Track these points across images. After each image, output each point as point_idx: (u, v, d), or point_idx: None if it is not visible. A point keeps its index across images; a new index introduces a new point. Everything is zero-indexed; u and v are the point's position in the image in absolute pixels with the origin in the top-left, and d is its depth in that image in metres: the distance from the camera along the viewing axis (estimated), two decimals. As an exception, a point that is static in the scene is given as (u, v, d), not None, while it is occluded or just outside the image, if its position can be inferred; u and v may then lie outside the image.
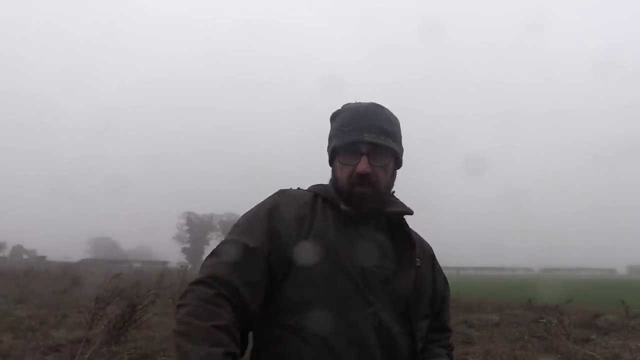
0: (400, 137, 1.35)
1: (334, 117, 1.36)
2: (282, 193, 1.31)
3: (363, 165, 1.24)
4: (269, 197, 1.31)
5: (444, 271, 1.46)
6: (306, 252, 1.19)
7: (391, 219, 1.33)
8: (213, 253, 1.20)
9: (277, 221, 1.22)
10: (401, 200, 1.38)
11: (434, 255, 1.45)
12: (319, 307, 1.16)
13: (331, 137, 1.35)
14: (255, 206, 1.29)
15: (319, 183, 1.39)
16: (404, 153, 1.36)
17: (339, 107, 1.38)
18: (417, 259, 1.32)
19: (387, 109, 1.35)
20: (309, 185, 1.40)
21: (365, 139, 1.25)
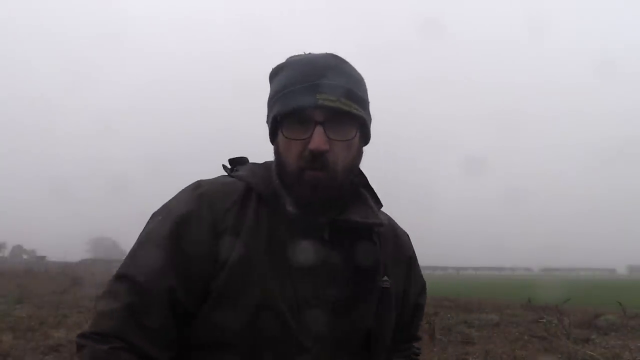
0: (368, 102, 0.98)
1: (275, 74, 0.97)
2: (200, 194, 0.94)
3: (318, 140, 0.87)
4: (181, 197, 0.95)
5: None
6: (225, 280, 0.88)
7: (354, 229, 0.97)
8: (105, 293, 0.91)
9: (186, 241, 0.89)
10: (373, 193, 1.04)
11: (411, 256, 1.11)
12: (235, 355, 0.88)
13: (272, 102, 0.95)
14: (161, 214, 0.94)
15: (261, 163, 1.02)
16: (372, 124, 1.00)
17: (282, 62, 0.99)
18: (385, 278, 0.99)
19: (349, 63, 0.96)
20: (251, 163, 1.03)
21: (321, 103, 0.87)
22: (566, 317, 7.40)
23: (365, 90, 0.97)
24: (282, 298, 0.89)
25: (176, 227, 0.90)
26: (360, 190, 1.01)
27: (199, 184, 0.97)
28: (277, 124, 0.93)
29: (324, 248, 0.94)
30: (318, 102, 0.88)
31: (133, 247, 0.93)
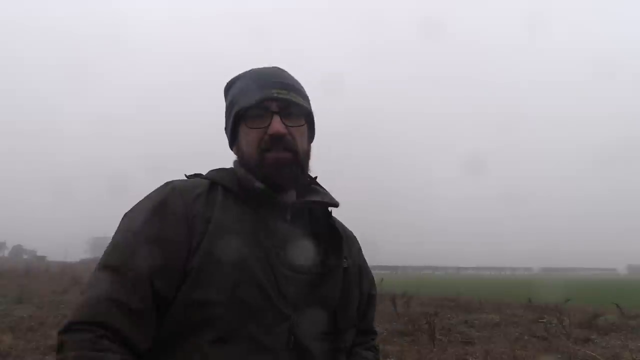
0: (309, 101, 1.14)
1: (230, 86, 1.14)
2: (170, 187, 1.03)
3: (276, 125, 1.02)
4: (154, 192, 1.04)
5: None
6: (201, 261, 0.94)
7: (313, 211, 1.12)
8: (86, 285, 0.94)
9: (161, 226, 0.96)
10: (326, 189, 1.16)
11: (360, 249, 1.24)
12: (219, 329, 0.92)
13: (230, 105, 1.10)
14: (136, 206, 1.02)
15: (223, 168, 1.12)
16: (315, 121, 1.15)
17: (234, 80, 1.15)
18: (345, 259, 1.11)
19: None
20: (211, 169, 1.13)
21: (276, 95, 1.04)
22: (566, 317, 7.41)
23: (305, 91, 1.14)
24: (260, 272, 0.96)
25: (151, 215, 0.97)
26: (315, 182, 1.16)
27: (168, 182, 1.06)
28: (239, 120, 1.07)
29: (290, 227, 1.05)
30: (273, 94, 1.05)
31: (110, 241, 0.98)
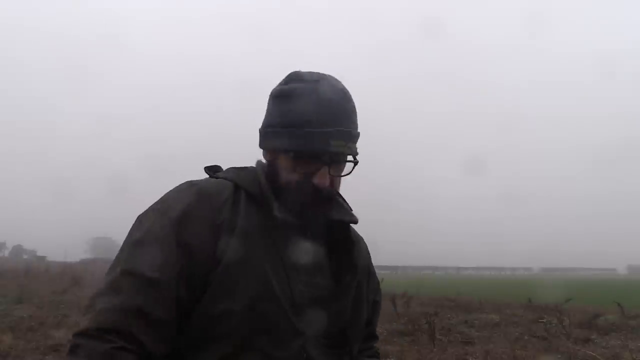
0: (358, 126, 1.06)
1: (282, 98, 1.01)
2: (195, 189, 0.98)
3: (323, 180, 0.98)
4: (176, 193, 0.99)
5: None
6: (223, 271, 0.92)
7: (333, 227, 1.08)
8: (106, 289, 0.89)
9: (188, 232, 0.92)
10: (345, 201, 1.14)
11: (369, 258, 1.22)
12: (234, 343, 0.91)
13: (281, 129, 1.00)
14: (159, 208, 0.97)
15: (244, 167, 1.07)
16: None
17: (288, 80, 1.03)
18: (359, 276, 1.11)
19: (349, 94, 1.03)
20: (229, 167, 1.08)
21: (333, 150, 0.96)
22: (566, 317, 7.40)
23: (357, 118, 1.05)
24: (278, 287, 0.95)
25: (177, 222, 0.93)
26: (340, 197, 1.12)
27: (193, 182, 1.02)
28: (285, 150, 1.00)
29: (310, 244, 1.02)
30: (332, 149, 0.97)
31: (129, 243, 0.94)
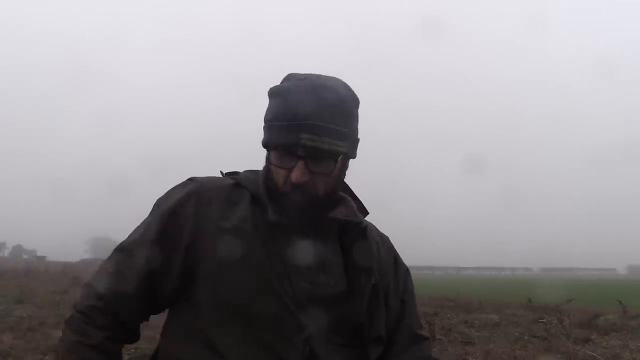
0: (356, 126, 1.05)
1: (273, 95, 1.03)
2: (189, 188, 1.05)
3: (297, 174, 0.97)
4: (173, 189, 1.08)
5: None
6: (215, 267, 0.98)
7: (345, 227, 1.09)
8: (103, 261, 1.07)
9: (172, 227, 1.01)
10: (359, 202, 1.14)
11: (396, 256, 1.19)
12: (234, 335, 0.95)
13: (265, 124, 1.02)
14: (157, 202, 1.07)
15: (249, 170, 1.11)
16: (359, 142, 1.07)
17: (282, 80, 1.04)
18: (376, 276, 1.08)
19: (339, 90, 1.01)
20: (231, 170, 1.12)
21: (303, 142, 0.95)
22: (566, 317, 7.39)
23: (351, 116, 1.02)
24: (278, 283, 0.97)
25: (166, 215, 1.03)
26: (342, 195, 1.10)
27: (192, 178, 1.09)
28: (267, 147, 1.03)
29: (310, 243, 1.03)
30: (300, 141, 0.95)
31: (137, 228, 1.07)
